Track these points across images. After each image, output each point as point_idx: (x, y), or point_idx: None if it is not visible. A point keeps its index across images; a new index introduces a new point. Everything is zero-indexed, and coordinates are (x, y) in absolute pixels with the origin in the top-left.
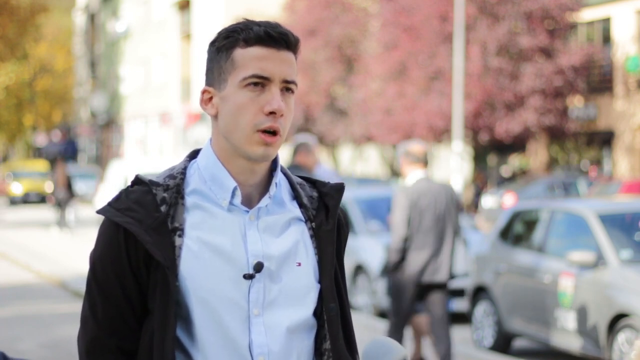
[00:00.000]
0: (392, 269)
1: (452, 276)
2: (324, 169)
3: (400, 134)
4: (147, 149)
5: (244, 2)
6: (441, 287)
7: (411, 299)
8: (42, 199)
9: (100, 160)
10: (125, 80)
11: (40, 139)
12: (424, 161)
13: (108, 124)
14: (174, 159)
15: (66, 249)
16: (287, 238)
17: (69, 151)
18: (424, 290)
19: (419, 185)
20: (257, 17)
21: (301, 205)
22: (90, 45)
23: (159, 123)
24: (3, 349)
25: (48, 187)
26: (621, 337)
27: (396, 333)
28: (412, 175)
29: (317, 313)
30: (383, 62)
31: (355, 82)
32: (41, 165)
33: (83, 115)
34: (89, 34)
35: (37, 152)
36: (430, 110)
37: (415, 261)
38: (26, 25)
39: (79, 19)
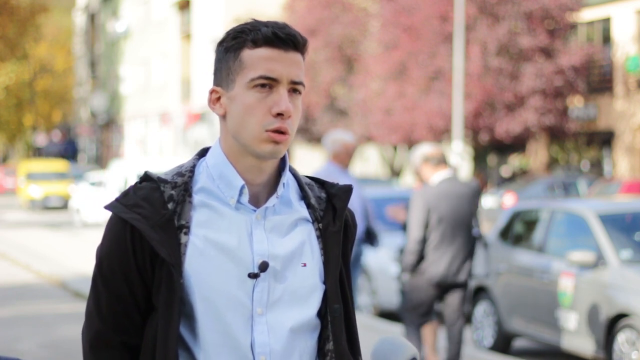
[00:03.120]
0: (409, 272)
1: (471, 276)
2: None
3: (400, 134)
4: (147, 149)
5: (244, 2)
6: (460, 287)
7: (429, 301)
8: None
9: (100, 160)
10: (125, 80)
11: (40, 139)
12: (445, 161)
13: (108, 124)
14: (174, 159)
15: (66, 249)
16: (293, 238)
17: (69, 151)
18: (443, 290)
19: (441, 186)
20: (257, 17)
21: (309, 205)
22: (90, 45)
23: (159, 123)
24: (3, 349)
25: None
26: (621, 337)
27: (412, 334)
28: (437, 176)
29: (321, 314)
30: (383, 62)
31: (355, 82)
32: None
33: (83, 115)
34: (89, 34)
35: (37, 152)
36: (430, 110)
37: (435, 262)
38: (26, 25)
39: (79, 19)
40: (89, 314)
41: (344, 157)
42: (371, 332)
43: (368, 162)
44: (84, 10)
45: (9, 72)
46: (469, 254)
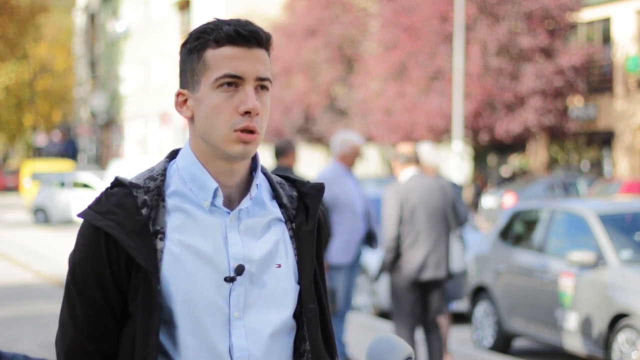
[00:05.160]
0: (388, 269)
1: (449, 274)
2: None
3: (400, 134)
4: (147, 149)
5: (244, 2)
6: (439, 285)
7: (412, 300)
8: None
9: (100, 160)
10: (125, 80)
11: (40, 139)
12: (415, 159)
13: (108, 124)
14: None
15: (66, 249)
16: (268, 240)
17: (69, 151)
18: (422, 289)
19: (410, 183)
20: (257, 17)
21: (281, 205)
22: (90, 45)
23: (159, 123)
24: (3, 349)
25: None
26: (621, 337)
27: (403, 335)
28: (404, 173)
29: (297, 314)
30: (383, 62)
31: (355, 82)
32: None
33: (83, 115)
34: (89, 34)
35: (37, 152)
36: (430, 110)
37: (411, 259)
38: (26, 25)
39: (79, 19)
40: (63, 322)
41: (350, 159)
42: (371, 332)
43: (368, 162)
44: (84, 10)
45: (9, 72)
46: (447, 249)
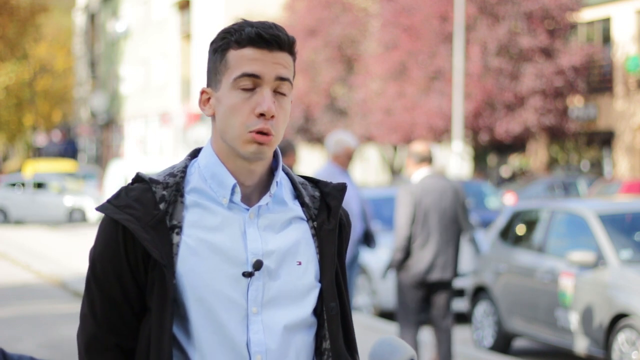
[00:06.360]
0: (396, 268)
1: (457, 274)
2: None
3: (400, 134)
4: (147, 149)
5: (244, 2)
6: (446, 286)
7: (418, 299)
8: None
9: (100, 160)
10: (125, 80)
11: (40, 139)
12: (429, 159)
13: (108, 124)
14: (174, 159)
15: (66, 249)
16: (287, 236)
17: (69, 151)
18: (429, 289)
19: (423, 183)
20: (257, 17)
21: (303, 204)
22: (90, 45)
23: (159, 123)
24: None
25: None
26: (621, 337)
27: (407, 334)
28: (418, 173)
29: (317, 312)
30: (383, 62)
31: (355, 82)
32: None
33: (83, 115)
34: (89, 34)
35: (37, 152)
36: (430, 110)
37: (420, 259)
38: (26, 25)
39: (79, 19)
40: (83, 317)
41: (343, 160)
42: (371, 332)
43: (368, 162)
44: (84, 10)
45: (9, 72)
46: (456, 251)
